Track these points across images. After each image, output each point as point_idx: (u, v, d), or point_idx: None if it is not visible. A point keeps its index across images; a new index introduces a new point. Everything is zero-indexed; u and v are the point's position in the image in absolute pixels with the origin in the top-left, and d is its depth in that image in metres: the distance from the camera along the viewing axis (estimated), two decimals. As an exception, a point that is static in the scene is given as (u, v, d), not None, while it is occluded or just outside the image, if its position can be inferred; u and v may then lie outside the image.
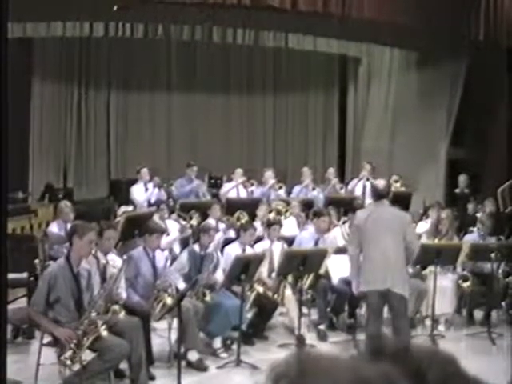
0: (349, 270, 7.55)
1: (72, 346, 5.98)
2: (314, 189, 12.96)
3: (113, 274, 6.50)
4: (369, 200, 12.42)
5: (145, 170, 12.69)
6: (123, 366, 6.63)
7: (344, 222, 10.09)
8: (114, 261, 6.89)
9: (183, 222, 10.67)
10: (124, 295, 7.01)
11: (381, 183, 7.36)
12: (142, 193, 12.39)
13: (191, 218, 10.60)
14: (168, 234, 9.38)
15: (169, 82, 18.05)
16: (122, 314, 6.55)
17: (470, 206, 12.33)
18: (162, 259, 7.74)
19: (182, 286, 7.59)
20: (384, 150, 16.68)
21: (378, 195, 7.25)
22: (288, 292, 8.55)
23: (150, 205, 11.94)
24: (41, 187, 15.83)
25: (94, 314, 6.14)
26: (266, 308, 8.45)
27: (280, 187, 13.09)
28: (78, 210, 10.12)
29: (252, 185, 13.02)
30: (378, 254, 6.93)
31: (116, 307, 6.58)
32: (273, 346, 8.25)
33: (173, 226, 10.44)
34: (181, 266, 8.05)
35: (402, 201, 10.63)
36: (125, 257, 6.99)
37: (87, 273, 6.37)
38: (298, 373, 1.15)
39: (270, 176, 13.06)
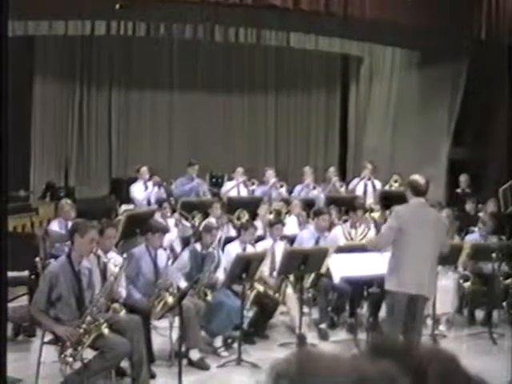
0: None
1: (73, 344, 5.98)
2: (314, 188, 12.95)
3: (113, 273, 6.50)
4: (370, 199, 12.47)
5: (144, 169, 12.71)
6: (124, 364, 6.64)
7: (345, 221, 10.10)
8: (115, 259, 6.89)
9: (185, 222, 10.68)
10: (124, 293, 7.01)
11: (421, 179, 6.98)
12: (142, 191, 12.42)
13: (193, 218, 10.59)
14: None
15: (170, 81, 18.04)
16: (123, 313, 6.55)
17: (471, 206, 12.31)
18: (163, 258, 7.74)
19: (183, 284, 7.60)
20: (385, 150, 16.68)
21: (418, 192, 6.87)
22: (289, 291, 8.55)
23: (149, 203, 11.97)
24: (42, 185, 15.84)
25: (95, 312, 6.14)
26: (266, 307, 8.45)
27: (281, 186, 13.09)
28: (80, 209, 10.11)
29: (253, 184, 13.02)
30: (418, 259, 6.68)
31: (116, 305, 6.58)
32: (274, 345, 8.25)
33: (174, 225, 10.46)
34: (182, 264, 8.06)
35: (403, 200, 10.61)
36: (125, 255, 6.99)
37: (88, 271, 6.37)
38: (299, 372, 1.15)
39: (271, 175, 13.06)
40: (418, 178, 6.98)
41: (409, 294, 6.73)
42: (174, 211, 10.96)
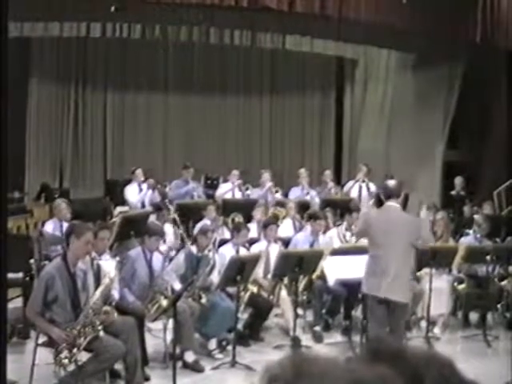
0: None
1: (68, 346, 5.97)
2: (307, 193, 12.90)
3: (108, 275, 6.47)
4: (365, 202, 12.45)
5: (139, 171, 12.66)
6: (118, 366, 6.63)
7: (339, 225, 10.10)
8: (109, 261, 6.87)
9: (180, 231, 10.59)
10: (116, 296, 6.99)
11: (391, 182, 7.11)
12: (136, 194, 12.37)
13: (188, 222, 10.52)
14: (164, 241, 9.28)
15: (166, 83, 18.03)
16: (114, 315, 6.52)
17: (466, 208, 12.33)
18: (158, 261, 7.73)
19: (177, 286, 7.58)
20: (380, 152, 16.69)
21: (389, 195, 6.94)
22: (283, 293, 8.54)
23: (143, 206, 11.93)
24: (37, 187, 15.81)
25: (91, 315, 6.12)
26: (261, 309, 8.44)
27: (276, 191, 13.04)
28: (74, 210, 10.09)
29: (247, 189, 12.95)
30: (386, 263, 6.69)
31: (107, 308, 6.55)
32: (268, 348, 8.24)
33: (170, 231, 10.38)
34: (177, 266, 8.04)
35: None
36: (117, 258, 6.98)
37: (83, 273, 6.36)
38: (293, 375, 1.15)
39: (266, 178, 13.00)
40: (390, 181, 7.15)
41: (378, 297, 6.76)
42: (169, 214, 10.92)
